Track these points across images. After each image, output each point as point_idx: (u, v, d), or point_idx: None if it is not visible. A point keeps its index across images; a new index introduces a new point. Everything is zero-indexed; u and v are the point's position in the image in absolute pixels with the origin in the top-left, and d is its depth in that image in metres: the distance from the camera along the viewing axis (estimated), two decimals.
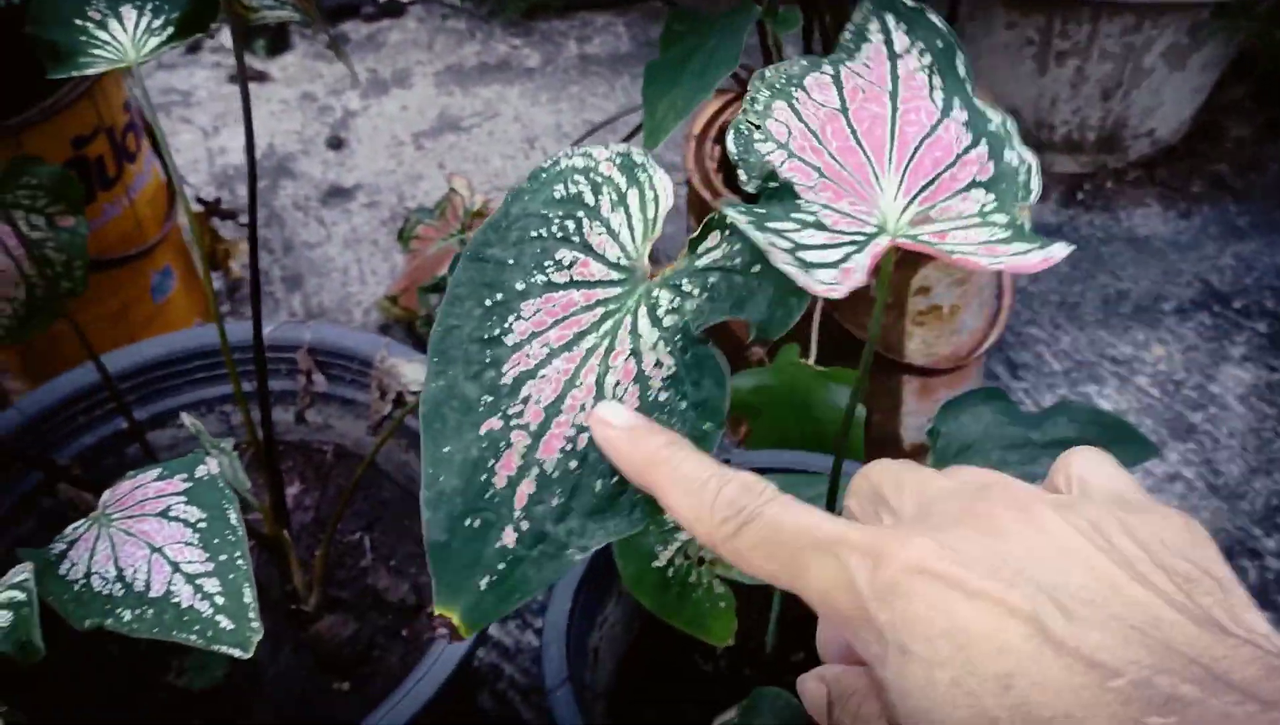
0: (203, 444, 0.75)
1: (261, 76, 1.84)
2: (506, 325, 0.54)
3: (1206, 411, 1.22)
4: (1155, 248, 1.42)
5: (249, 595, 0.61)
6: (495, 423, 0.51)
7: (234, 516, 0.64)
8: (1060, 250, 0.53)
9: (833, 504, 0.72)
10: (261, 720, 0.84)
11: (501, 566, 0.47)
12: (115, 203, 1.20)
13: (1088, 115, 1.47)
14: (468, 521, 0.48)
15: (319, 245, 1.53)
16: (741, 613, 0.99)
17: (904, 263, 1.00)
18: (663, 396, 0.49)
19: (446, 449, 0.50)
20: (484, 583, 0.47)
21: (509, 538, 0.48)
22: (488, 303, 0.55)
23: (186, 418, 0.73)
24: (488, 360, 0.53)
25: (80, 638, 0.88)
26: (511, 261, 0.56)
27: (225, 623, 0.60)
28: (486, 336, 0.53)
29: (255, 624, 0.60)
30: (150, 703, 0.85)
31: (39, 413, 0.89)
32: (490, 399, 0.51)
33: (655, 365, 0.50)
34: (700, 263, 0.55)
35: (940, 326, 1.07)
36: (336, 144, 1.70)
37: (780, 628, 0.97)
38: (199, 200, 1.32)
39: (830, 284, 0.51)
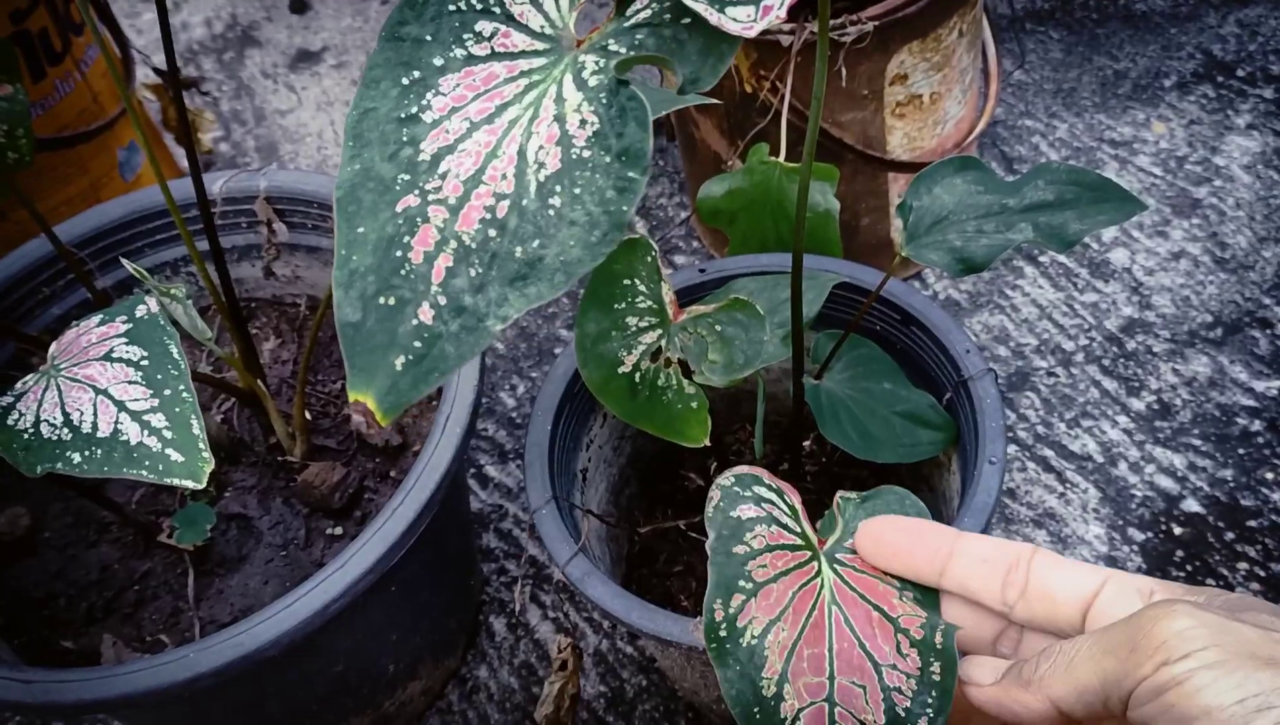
0: (149, 288, 0.73)
1: None
2: (425, 102, 0.51)
3: (1211, 185, 1.17)
4: (1154, 23, 1.35)
5: (196, 427, 0.60)
6: (412, 200, 0.49)
7: (175, 351, 0.62)
8: None
9: (798, 302, 0.69)
10: (256, 570, 0.84)
11: (418, 344, 0.46)
12: (67, 78, 1.16)
13: None
14: (382, 299, 0.47)
15: (291, 111, 1.49)
16: (725, 421, 0.97)
17: (877, 49, 0.95)
18: (586, 153, 0.47)
19: (361, 230, 0.48)
20: (400, 362, 0.46)
21: (426, 314, 0.46)
22: (405, 81, 0.52)
23: (127, 262, 0.71)
24: (405, 139, 0.50)
25: (71, 510, 0.88)
26: (429, 38, 0.53)
27: (175, 455, 0.59)
28: (404, 115, 0.51)
29: (205, 454, 0.59)
30: (148, 566, 0.85)
31: (1, 286, 0.88)
32: (407, 177, 0.49)
33: (579, 125, 0.48)
34: (629, 23, 0.52)
35: (922, 117, 1.03)
36: (300, 7, 1.64)
37: (766, 435, 0.95)
38: (155, 70, 1.28)
39: (745, 23, 0.48)
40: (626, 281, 0.65)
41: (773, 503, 0.52)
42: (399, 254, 0.47)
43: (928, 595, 0.47)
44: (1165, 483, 0.98)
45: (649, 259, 0.65)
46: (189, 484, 0.58)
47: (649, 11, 0.51)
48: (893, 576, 0.48)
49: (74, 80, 1.17)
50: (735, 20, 0.47)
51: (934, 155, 1.05)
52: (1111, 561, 0.93)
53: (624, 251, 0.66)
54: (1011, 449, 1.01)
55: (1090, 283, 1.12)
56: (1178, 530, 0.95)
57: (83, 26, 1.19)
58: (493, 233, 0.47)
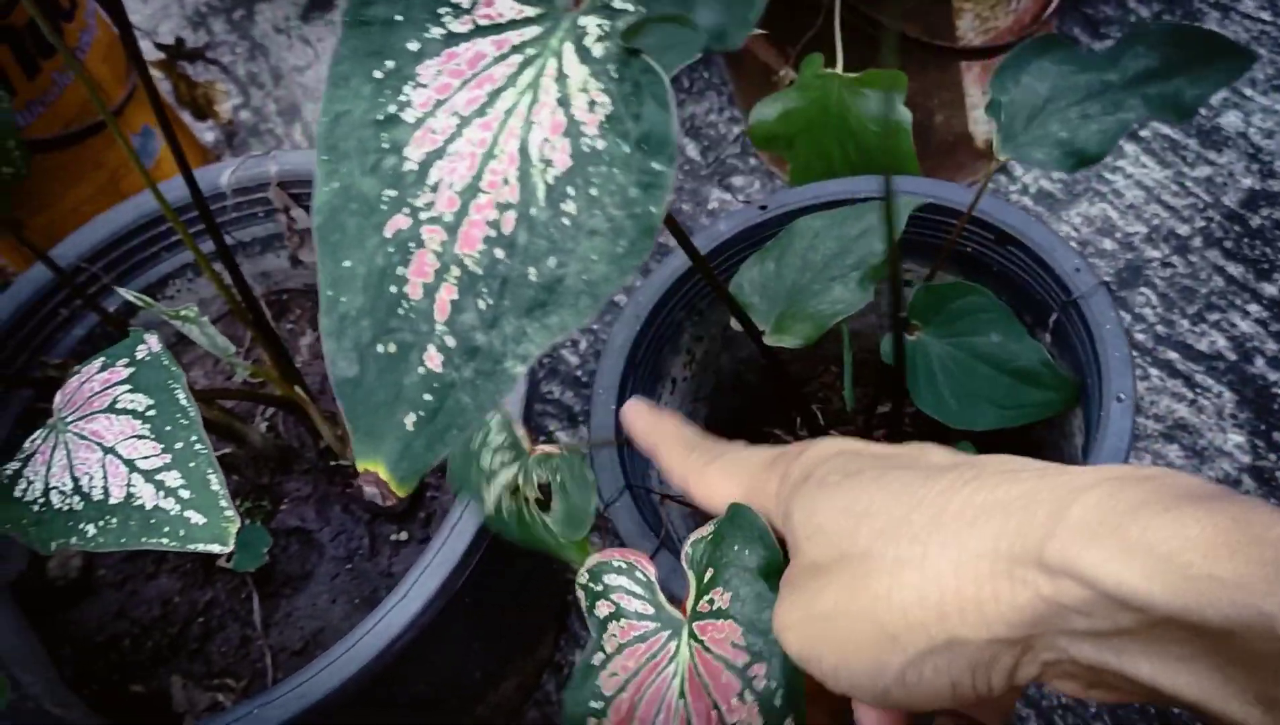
0: (157, 315, 0.66)
1: None
2: (404, 98, 0.42)
3: None
4: None
5: (216, 482, 0.53)
6: (402, 220, 0.41)
7: (183, 396, 0.55)
8: None
9: (892, 229, 0.60)
10: (322, 587, 0.78)
11: (428, 397, 0.39)
12: (64, 69, 1.09)
13: None
14: (380, 347, 0.39)
15: (308, 67, 1.41)
16: (807, 365, 0.88)
17: None
18: (600, 144, 0.39)
19: (347, 263, 0.41)
20: (410, 421, 0.38)
21: (433, 360, 0.39)
22: (377, 75, 0.43)
23: (130, 293, 0.64)
24: (386, 146, 0.42)
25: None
26: (400, 17, 0.44)
27: (195, 518, 0.53)
28: (381, 116, 0.42)
29: (229, 513, 0.52)
30: (210, 594, 0.80)
31: (13, 316, 0.82)
32: (394, 193, 0.41)
33: (588, 108, 0.39)
34: None
35: None
36: None
37: (856, 381, 0.86)
38: (157, 46, 1.20)
39: None
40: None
41: (623, 589, 0.47)
42: (394, 289, 0.40)
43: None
44: None
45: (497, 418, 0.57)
46: (214, 548, 0.52)
47: None
48: (739, 648, 0.44)
49: (71, 71, 1.10)
50: None
51: (1011, 34, 0.93)
52: (1257, 473, 0.83)
53: None
54: None
55: (1201, 155, 0.99)
56: None
57: (73, 10, 1.11)
58: (500, 253, 0.39)
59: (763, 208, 0.78)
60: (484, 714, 0.84)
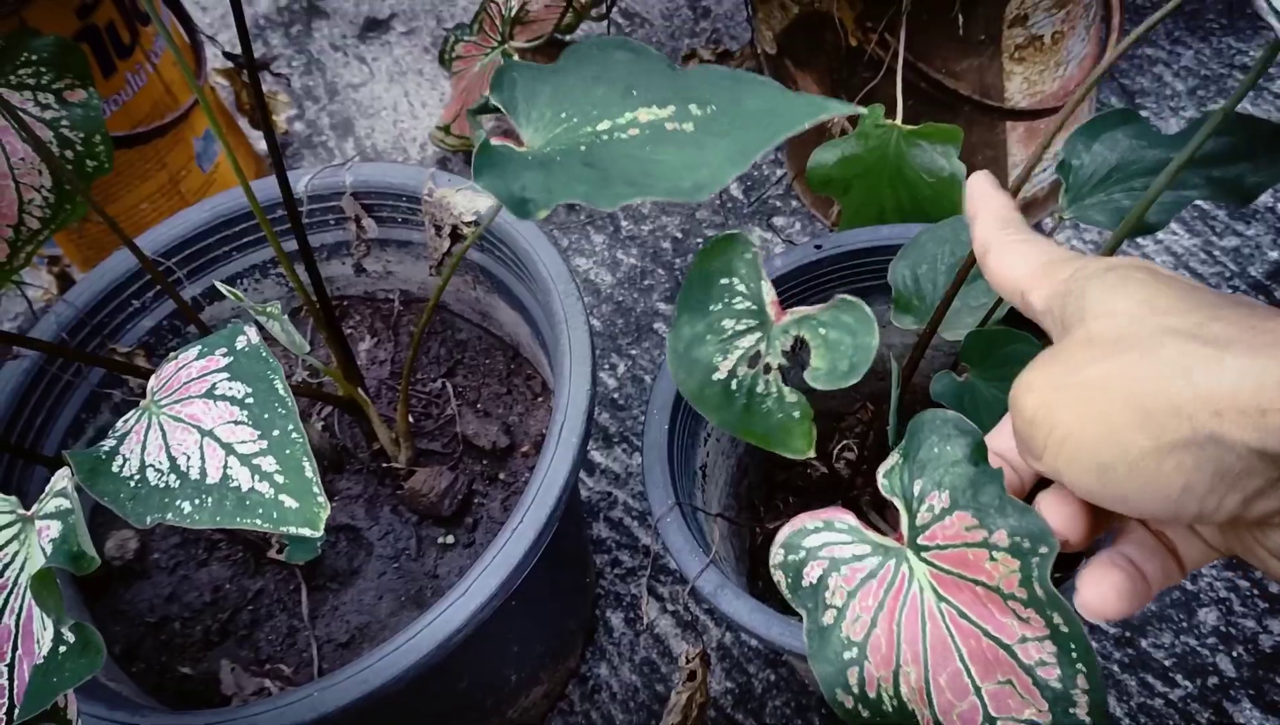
0: (246, 311, 0.69)
1: None
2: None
3: None
4: None
5: (310, 469, 0.56)
6: None
7: (281, 387, 0.58)
8: None
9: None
10: (369, 584, 0.81)
11: None
12: (138, 71, 1.13)
13: None
14: None
15: (364, 84, 1.45)
16: (844, 400, 0.92)
17: None
18: None
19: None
20: None
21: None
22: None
23: (222, 286, 0.67)
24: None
25: (178, 529, 0.86)
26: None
27: (289, 502, 0.55)
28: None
29: (321, 499, 0.55)
30: (260, 584, 0.83)
31: (90, 302, 0.85)
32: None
33: None
34: None
35: (1043, 60, 0.95)
36: None
37: (900, 417, 0.89)
38: (226, 55, 1.24)
39: None
40: (724, 281, 0.60)
41: (829, 544, 0.47)
42: None
43: (1021, 527, 0.42)
44: None
45: (748, 256, 0.60)
46: (305, 532, 0.54)
47: None
48: (974, 528, 0.43)
49: (145, 72, 1.14)
50: None
51: (1056, 99, 0.97)
52: None
53: (721, 248, 0.60)
54: None
55: (1230, 226, 1.03)
56: None
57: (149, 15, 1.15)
58: None
59: (818, 247, 0.82)
60: (513, 717, 0.87)
